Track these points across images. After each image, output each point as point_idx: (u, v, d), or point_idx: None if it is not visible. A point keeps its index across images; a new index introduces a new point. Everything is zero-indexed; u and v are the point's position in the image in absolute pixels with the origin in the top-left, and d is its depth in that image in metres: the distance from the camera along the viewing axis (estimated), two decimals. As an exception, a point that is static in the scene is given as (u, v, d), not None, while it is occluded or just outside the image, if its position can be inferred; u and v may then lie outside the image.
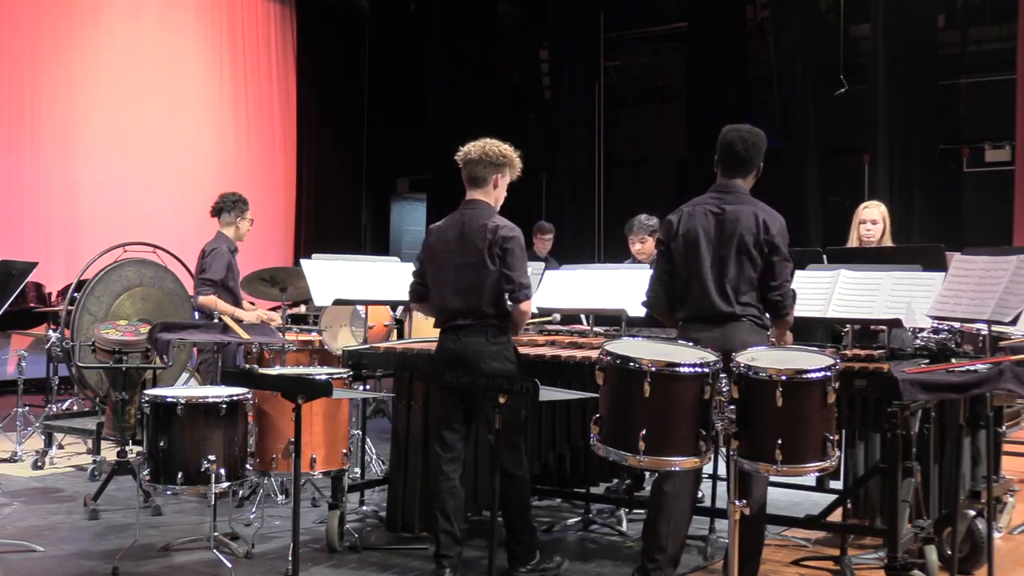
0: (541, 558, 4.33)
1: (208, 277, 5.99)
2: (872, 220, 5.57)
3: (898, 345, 4.46)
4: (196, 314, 6.33)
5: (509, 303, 4.20)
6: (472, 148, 4.33)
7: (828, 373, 3.33)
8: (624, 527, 5.11)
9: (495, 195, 4.36)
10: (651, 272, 4.15)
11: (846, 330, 4.51)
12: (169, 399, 4.38)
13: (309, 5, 13.47)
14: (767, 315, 3.96)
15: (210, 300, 5.96)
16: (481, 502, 4.85)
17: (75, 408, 7.80)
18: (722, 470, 5.14)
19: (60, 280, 9.40)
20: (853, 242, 5.62)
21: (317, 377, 4.38)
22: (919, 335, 4.50)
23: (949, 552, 4.14)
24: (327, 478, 4.83)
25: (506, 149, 4.35)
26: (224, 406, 4.37)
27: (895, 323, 4.26)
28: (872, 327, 4.66)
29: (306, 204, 13.47)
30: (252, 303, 6.53)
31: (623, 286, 4.95)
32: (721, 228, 3.92)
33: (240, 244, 6.38)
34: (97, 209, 10.60)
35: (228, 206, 6.24)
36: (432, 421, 4.45)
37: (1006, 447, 5.28)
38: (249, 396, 4.51)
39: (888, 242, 5.61)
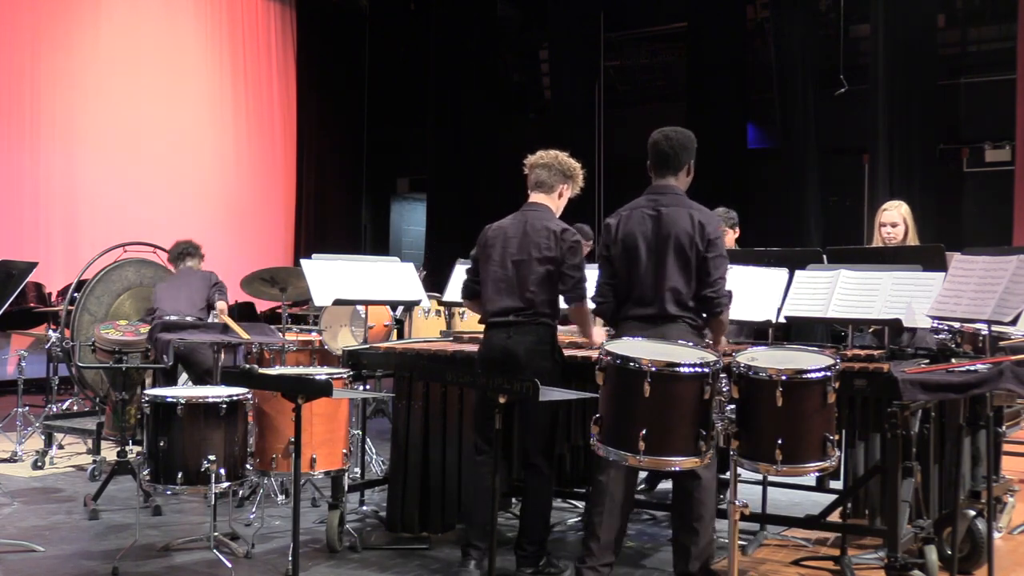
0: (548, 560, 4.34)
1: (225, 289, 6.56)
2: (892, 223, 5.47)
3: (921, 345, 4.46)
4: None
5: (564, 304, 4.25)
6: (545, 155, 4.42)
7: (828, 373, 3.33)
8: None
9: (558, 204, 4.42)
10: (596, 279, 4.17)
11: (871, 330, 4.46)
12: (169, 399, 4.38)
13: (309, 5, 13.48)
14: (703, 316, 3.98)
15: (225, 306, 6.42)
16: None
17: (75, 408, 7.79)
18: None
19: (60, 280, 9.41)
20: (876, 244, 5.55)
21: (317, 377, 4.38)
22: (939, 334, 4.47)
23: (949, 552, 4.14)
24: (327, 478, 4.83)
25: (576, 164, 4.47)
26: (224, 406, 4.37)
27: (895, 323, 4.25)
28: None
29: (306, 204, 13.48)
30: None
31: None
32: (658, 230, 3.97)
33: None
34: (97, 209, 10.60)
35: (194, 250, 6.84)
36: (474, 418, 4.47)
37: (1006, 447, 5.28)
38: (249, 396, 4.51)
39: (913, 242, 5.51)
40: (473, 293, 4.45)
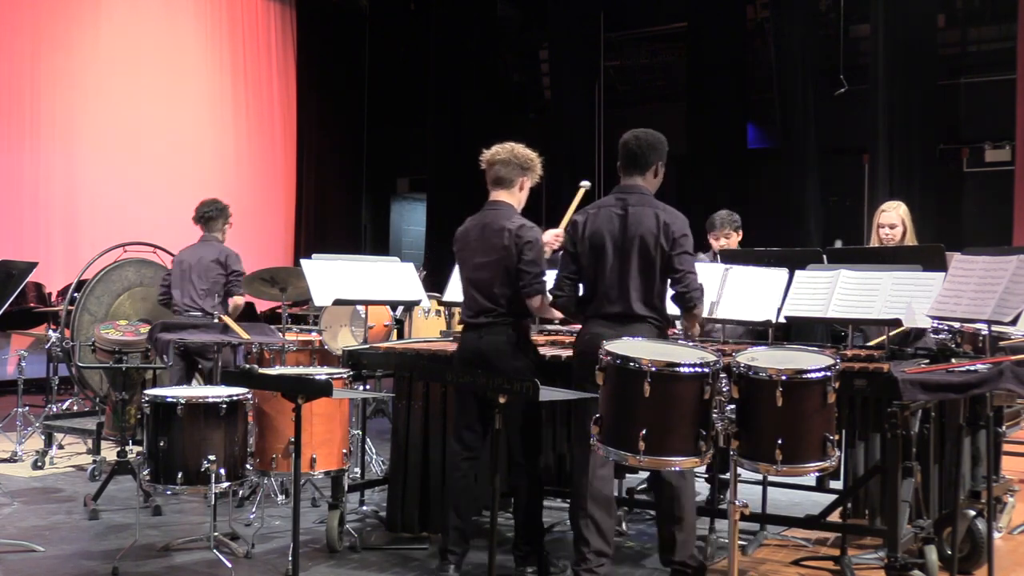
0: (547, 559, 4.34)
1: (241, 280, 6.24)
2: (891, 224, 5.46)
3: (929, 346, 4.47)
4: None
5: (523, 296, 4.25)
6: (500, 150, 4.38)
7: (828, 373, 3.33)
8: (623, 527, 5.11)
9: (519, 197, 4.41)
10: (556, 272, 4.19)
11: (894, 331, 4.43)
12: (169, 399, 4.38)
13: (309, 5, 13.48)
14: (679, 310, 4.04)
15: (242, 301, 6.21)
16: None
17: (75, 408, 7.79)
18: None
19: (60, 280, 9.40)
20: (874, 245, 5.55)
21: (317, 377, 4.38)
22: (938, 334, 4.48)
23: (949, 552, 4.14)
24: (327, 478, 4.83)
25: (532, 154, 4.42)
26: (224, 406, 4.37)
27: (895, 323, 4.26)
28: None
29: (306, 204, 13.48)
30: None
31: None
32: (625, 230, 3.99)
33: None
34: (97, 209, 10.60)
35: (217, 213, 6.38)
36: (454, 420, 4.47)
37: (1006, 447, 5.28)
38: (249, 396, 4.51)
39: (911, 242, 5.50)
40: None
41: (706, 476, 5.00)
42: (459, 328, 5.47)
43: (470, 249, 4.32)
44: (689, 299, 3.94)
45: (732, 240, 5.97)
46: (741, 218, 6.10)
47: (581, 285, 4.13)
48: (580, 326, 4.19)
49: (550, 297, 4.19)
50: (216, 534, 4.48)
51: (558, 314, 4.34)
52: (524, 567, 4.27)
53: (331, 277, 5.22)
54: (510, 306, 4.22)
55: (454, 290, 5.44)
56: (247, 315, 9.16)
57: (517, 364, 4.17)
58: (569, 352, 4.53)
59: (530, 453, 4.28)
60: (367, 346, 5.18)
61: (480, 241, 4.29)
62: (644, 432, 3.26)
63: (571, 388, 3.85)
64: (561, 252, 4.22)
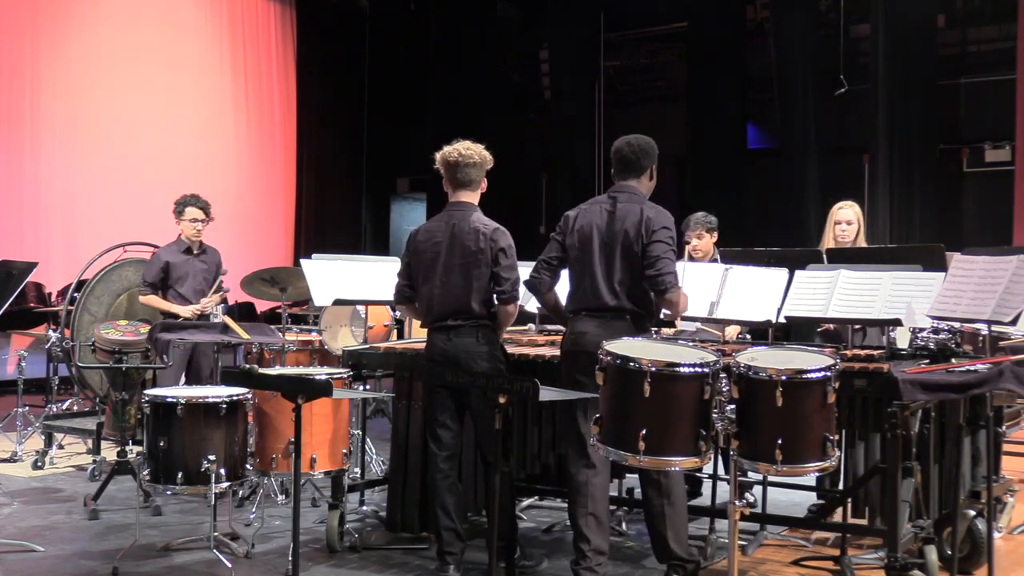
0: (522, 552, 4.38)
1: (143, 279, 6.43)
2: (847, 221, 5.57)
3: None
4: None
5: (497, 303, 4.26)
6: (464, 150, 4.38)
7: (828, 373, 3.33)
8: (623, 527, 5.12)
9: (478, 195, 4.44)
10: (539, 257, 4.25)
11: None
12: (169, 399, 4.38)
13: (309, 5, 13.48)
14: (654, 304, 4.07)
15: (147, 299, 6.37)
16: (481, 502, 4.88)
17: (75, 408, 7.79)
18: (721, 470, 5.15)
19: (60, 280, 9.40)
20: (828, 243, 5.60)
21: (317, 377, 4.38)
22: (918, 335, 4.49)
23: (949, 552, 4.14)
24: (327, 478, 4.84)
25: (485, 149, 4.44)
26: (224, 406, 4.38)
27: (895, 323, 4.25)
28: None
29: (306, 204, 13.47)
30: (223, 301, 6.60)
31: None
32: (611, 225, 4.06)
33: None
34: (97, 209, 10.59)
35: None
36: (425, 420, 4.48)
37: (1006, 447, 5.28)
38: (249, 396, 4.51)
39: (862, 243, 5.62)
40: (408, 298, 4.47)
41: (707, 476, 4.99)
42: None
43: (439, 251, 4.29)
44: (660, 282, 3.92)
45: (704, 241, 5.97)
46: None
47: (563, 273, 4.21)
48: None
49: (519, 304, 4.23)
50: (216, 534, 4.47)
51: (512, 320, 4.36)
52: (499, 561, 4.27)
53: (331, 277, 5.22)
54: (481, 309, 4.24)
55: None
56: (247, 315, 9.16)
57: (487, 366, 4.19)
58: (533, 351, 4.56)
59: (504, 451, 4.28)
60: (367, 346, 5.17)
61: (449, 243, 4.28)
62: (644, 432, 3.25)
63: (559, 386, 3.86)
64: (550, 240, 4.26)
